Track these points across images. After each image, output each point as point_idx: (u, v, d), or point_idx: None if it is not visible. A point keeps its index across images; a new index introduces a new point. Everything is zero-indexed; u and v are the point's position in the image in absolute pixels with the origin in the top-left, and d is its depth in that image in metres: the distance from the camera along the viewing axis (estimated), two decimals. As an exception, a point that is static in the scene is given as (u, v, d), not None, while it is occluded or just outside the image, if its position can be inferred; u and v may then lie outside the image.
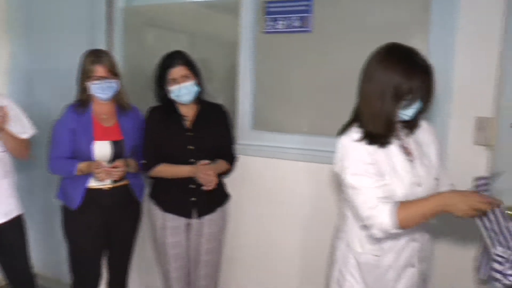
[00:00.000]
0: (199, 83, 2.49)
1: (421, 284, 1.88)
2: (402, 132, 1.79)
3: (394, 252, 1.77)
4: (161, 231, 2.55)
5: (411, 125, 1.78)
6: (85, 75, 2.48)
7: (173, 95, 2.45)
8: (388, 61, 1.64)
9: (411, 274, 1.80)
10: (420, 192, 1.71)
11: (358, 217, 1.72)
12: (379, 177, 1.67)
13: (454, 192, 1.60)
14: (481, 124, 2.16)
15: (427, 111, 1.75)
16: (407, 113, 1.68)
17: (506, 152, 2.02)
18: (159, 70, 2.49)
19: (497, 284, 1.41)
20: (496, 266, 1.43)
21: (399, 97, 1.62)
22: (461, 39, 2.19)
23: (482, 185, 1.86)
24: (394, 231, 1.62)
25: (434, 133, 1.87)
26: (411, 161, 1.74)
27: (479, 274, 1.85)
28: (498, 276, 1.39)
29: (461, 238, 2.26)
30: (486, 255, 1.81)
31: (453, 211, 1.56)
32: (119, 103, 2.60)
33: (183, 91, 2.43)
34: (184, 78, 2.43)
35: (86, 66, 2.48)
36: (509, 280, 1.27)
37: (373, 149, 1.69)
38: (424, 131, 1.83)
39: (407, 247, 1.78)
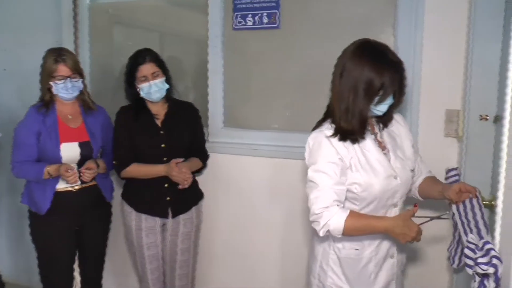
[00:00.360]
0: (168, 81, 2.46)
1: (400, 274, 1.90)
2: (376, 127, 1.80)
3: (374, 245, 1.78)
4: (136, 232, 2.50)
5: (384, 119, 1.80)
6: (48, 75, 2.40)
7: (143, 93, 2.41)
8: (359, 57, 1.65)
9: (390, 265, 1.82)
10: (396, 184, 1.73)
11: (309, 210, 1.72)
12: (340, 178, 1.68)
13: (402, 222, 1.61)
14: (451, 117, 2.20)
15: (400, 106, 1.77)
16: (380, 109, 1.69)
17: (475, 143, 2.05)
18: (128, 68, 2.45)
19: (469, 270, 1.43)
20: (468, 252, 1.45)
21: (372, 93, 1.63)
22: (429, 33, 2.22)
23: (452, 176, 1.89)
24: (337, 235, 1.65)
25: (407, 126, 1.89)
26: (385, 154, 1.76)
27: (453, 264, 1.88)
28: (470, 262, 1.41)
29: (435, 229, 2.28)
30: (459, 244, 1.83)
31: (395, 237, 1.63)
32: (84, 102, 2.54)
33: (153, 89, 2.40)
34: (154, 75, 2.40)
35: (48, 66, 2.39)
36: (482, 269, 1.29)
37: (346, 144, 1.69)
38: (397, 125, 1.85)
39: (386, 239, 1.79)
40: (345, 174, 1.69)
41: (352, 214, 1.64)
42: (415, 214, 1.63)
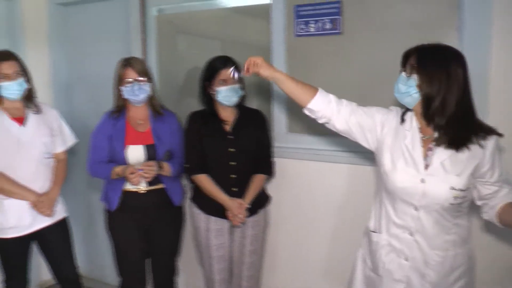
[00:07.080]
0: (242, 87, 2.55)
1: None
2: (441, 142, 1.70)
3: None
4: (205, 233, 2.59)
5: (457, 140, 1.67)
6: (118, 80, 2.58)
7: (220, 96, 2.49)
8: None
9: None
10: (417, 187, 1.73)
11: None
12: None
13: None
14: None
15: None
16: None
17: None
18: (209, 72, 2.54)
19: None
20: None
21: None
22: (498, 36, 2.13)
23: None
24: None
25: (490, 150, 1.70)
26: (426, 158, 1.75)
27: None
28: None
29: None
30: None
31: None
32: (153, 108, 2.67)
33: (230, 92, 2.48)
34: (233, 80, 2.47)
35: (118, 72, 2.57)
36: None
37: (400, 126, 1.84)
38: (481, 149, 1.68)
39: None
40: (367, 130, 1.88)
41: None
42: None
